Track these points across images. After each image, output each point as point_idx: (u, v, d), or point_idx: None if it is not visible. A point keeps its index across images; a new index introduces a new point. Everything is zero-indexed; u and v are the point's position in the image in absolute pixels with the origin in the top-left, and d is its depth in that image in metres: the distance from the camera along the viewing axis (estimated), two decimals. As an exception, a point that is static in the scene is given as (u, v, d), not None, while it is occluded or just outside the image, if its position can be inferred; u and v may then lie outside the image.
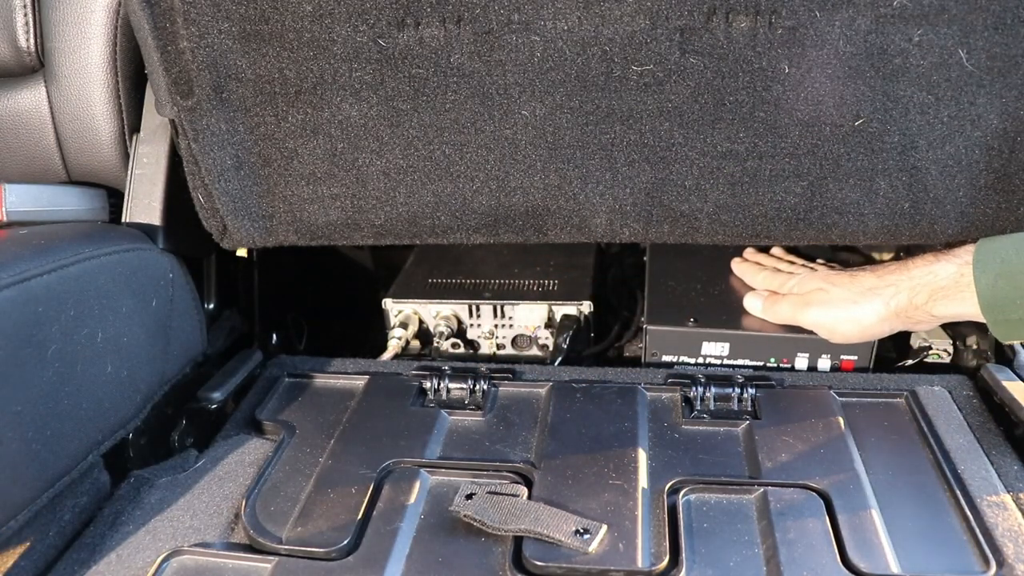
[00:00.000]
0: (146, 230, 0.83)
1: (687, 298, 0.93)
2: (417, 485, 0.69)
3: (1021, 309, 0.69)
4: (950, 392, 0.79)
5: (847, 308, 0.80)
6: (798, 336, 0.85)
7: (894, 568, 0.59)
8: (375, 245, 1.01)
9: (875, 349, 0.85)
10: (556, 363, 0.89)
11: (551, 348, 0.95)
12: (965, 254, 0.73)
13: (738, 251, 0.99)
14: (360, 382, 0.84)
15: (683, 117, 0.72)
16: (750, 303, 0.89)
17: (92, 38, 0.83)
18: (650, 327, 0.88)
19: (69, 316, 0.66)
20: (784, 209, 0.76)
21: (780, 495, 0.66)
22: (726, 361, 0.88)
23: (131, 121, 0.86)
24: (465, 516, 0.64)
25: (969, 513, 0.64)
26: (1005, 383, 0.77)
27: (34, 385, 0.62)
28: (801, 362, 0.86)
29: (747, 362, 0.87)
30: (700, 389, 0.78)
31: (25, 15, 0.82)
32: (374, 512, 0.66)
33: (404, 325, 0.96)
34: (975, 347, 0.87)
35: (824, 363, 0.86)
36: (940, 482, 0.68)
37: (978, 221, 0.74)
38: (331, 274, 1.25)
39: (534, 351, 0.97)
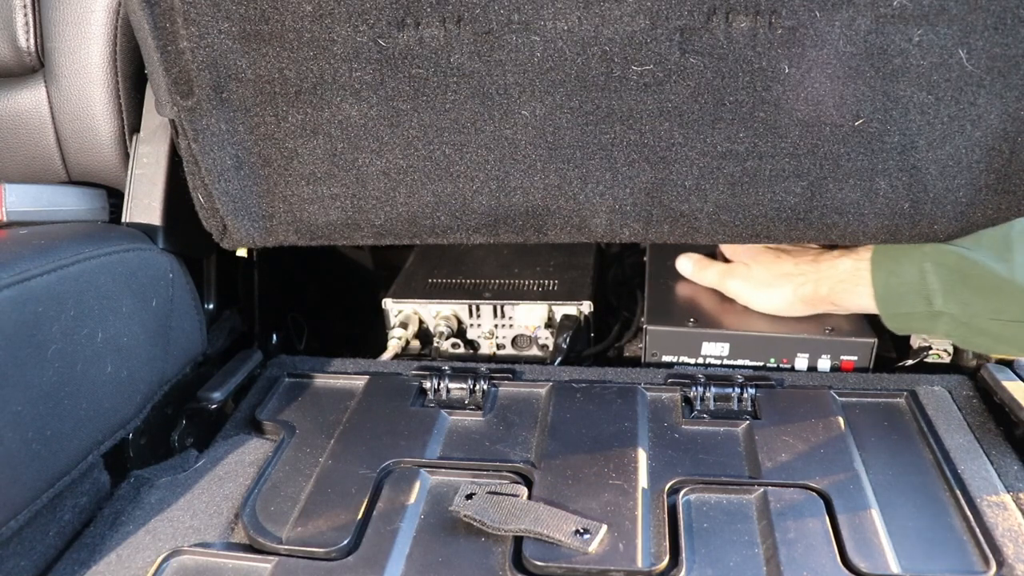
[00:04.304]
0: (146, 230, 0.83)
1: (687, 298, 0.93)
2: (417, 485, 0.69)
3: (909, 303, 0.75)
4: (950, 392, 0.80)
5: (761, 288, 0.88)
6: (798, 336, 0.85)
7: (894, 568, 0.59)
8: (375, 245, 1.01)
9: (875, 349, 0.85)
10: (556, 363, 0.89)
11: (551, 348, 0.95)
12: (865, 252, 0.80)
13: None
14: (360, 382, 0.84)
15: (683, 117, 0.72)
16: (682, 264, 0.95)
17: (92, 38, 0.83)
18: (650, 327, 0.88)
19: (69, 316, 0.66)
20: (784, 209, 0.76)
21: (780, 495, 0.66)
22: (726, 361, 0.88)
23: (131, 121, 0.86)
24: (465, 516, 0.64)
25: (969, 513, 0.64)
26: (1005, 383, 0.77)
27: (34, 385, 0.62)
28: (801, 362, 0.86)
29: (747, 362, 0.87)
30: (700, 389, 0.78)
31: (25, 15, 0.82)
32: (374, 512, 0.66)
33: (404, 325, 0.96)
34: (975, 347, 0.87)
35: (824, 363, 0.86)
36: (940, 482, 0.68)
37: (978, 221, 0.74)
38: (331, 274, 1.25)
39: (534, 351, 0.97)
